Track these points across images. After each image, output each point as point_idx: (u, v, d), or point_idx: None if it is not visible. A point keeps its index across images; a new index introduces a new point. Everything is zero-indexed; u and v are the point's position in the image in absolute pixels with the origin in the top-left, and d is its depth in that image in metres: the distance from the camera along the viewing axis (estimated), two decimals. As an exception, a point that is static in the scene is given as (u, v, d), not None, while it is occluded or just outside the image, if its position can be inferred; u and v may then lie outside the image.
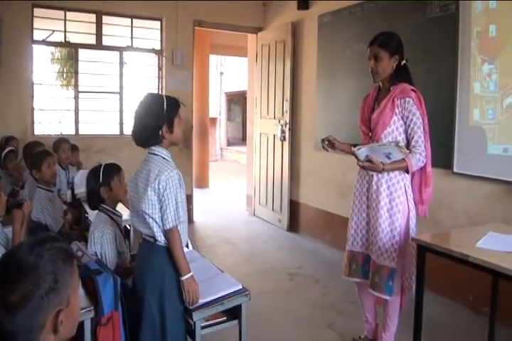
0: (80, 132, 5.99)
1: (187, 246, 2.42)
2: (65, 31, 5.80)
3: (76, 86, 5.97)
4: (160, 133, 2.27)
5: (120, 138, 6.03)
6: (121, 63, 6.17)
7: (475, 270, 2.13)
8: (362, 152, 2.62)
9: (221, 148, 18.64)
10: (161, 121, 2.25)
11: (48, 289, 1.06)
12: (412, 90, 2.69)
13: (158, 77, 6.41)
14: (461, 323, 3.45)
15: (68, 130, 5.94)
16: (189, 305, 2.26)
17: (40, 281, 1.06)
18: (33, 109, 5.66)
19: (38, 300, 1.05)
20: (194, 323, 2.28)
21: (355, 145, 2.94)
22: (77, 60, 5.96)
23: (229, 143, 19.56)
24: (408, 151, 2.63)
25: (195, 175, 8.75)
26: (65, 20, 5.76)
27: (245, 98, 8.47)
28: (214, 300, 2.34)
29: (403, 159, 2.61)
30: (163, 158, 2.30)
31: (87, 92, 6.05)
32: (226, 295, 2.38)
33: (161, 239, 2.26)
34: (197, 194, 7.31)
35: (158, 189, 2.20)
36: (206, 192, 9.33)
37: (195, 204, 6.80)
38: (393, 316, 2.84)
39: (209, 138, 10.97)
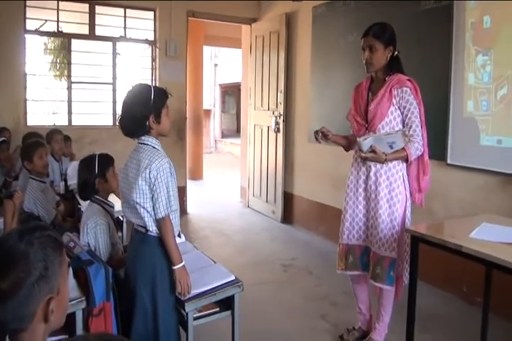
0: (73, 123, 5.95)
1: (179, 236, 2.40)
2: (57, 21, 5.74)
3: (69, 77, 5.93)
4: (147, 123, 2.24)
5: (113, 129, 5.95)
6: (115, 54, 6.13)
7: (468, 260, 2.14)
8: (367, 142, 2.59)
9: (215, 140, 18.60)
10: (148, 111, 2.22)
11: (39, 276, 1.05)
12: (408, 80, 2.69)
13: (152, 68, 6.37)
14: (455, 314, 3.46)
15: (61, 121, 5.90)
16: (181, 295, 2.25)
17: (31, 269, 1.05)
18: (25, 100, 5.61)
19: (29, 287, 1.04)
20: (187, 314, 2.27)
21: (347, 137, 2.94)
22: (70, 51, 5.91)
23: (223, 135, 19.53)
24: (409, 140, 2.62)
25: (189, 167, 8.74)
26: (57, 9, 5.70)
27: (240, 90, 8.44)
28: (207, 290, 2.33)
29: (403, 148, 2.61)
30: (153, 148, 2.27)
31: (80, 83, 6.01)
32: (219, 285, 2.38)
33: (152, 228, 2.25)
34: (191, 186, 7.30)
35: (149, 178, 2.18)
36: (200, 184, 9.32)
37: (189, 196, 6.79)
38: (387, 306, 2.84)
39: (203, 130, 10.94)
